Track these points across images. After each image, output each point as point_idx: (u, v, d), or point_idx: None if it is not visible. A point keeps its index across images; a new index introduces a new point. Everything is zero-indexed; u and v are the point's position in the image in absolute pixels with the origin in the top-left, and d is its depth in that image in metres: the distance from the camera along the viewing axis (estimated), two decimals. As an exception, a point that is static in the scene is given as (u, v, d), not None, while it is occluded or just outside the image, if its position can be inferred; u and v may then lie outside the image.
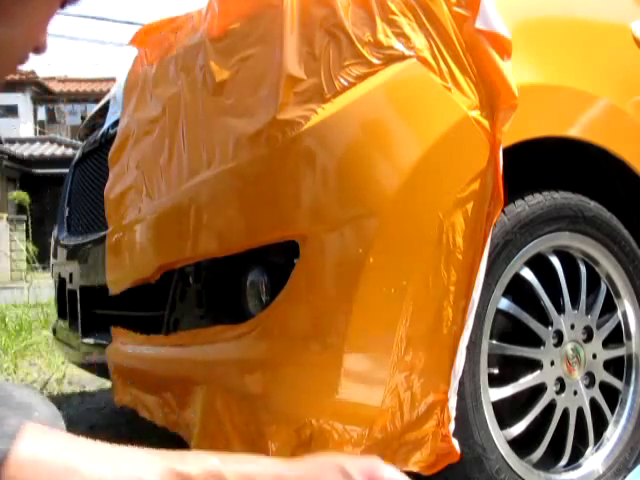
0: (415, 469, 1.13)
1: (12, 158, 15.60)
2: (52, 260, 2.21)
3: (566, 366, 1.33)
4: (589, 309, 1.38)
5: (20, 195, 15.05)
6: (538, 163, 1.35)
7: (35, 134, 20.35)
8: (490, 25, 1.12)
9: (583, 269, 1.38)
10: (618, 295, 1.43)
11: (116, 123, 1.61)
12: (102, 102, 2.03)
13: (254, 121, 1.13)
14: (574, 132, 1.30)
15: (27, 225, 12.08)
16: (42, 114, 22.24)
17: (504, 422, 1.26)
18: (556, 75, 1.29)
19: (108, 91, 2.26)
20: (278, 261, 1.15)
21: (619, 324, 1.44)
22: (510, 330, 1.29)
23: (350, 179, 1.08)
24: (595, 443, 1.39)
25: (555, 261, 1.34)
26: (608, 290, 1.42)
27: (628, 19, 1.47)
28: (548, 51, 1.29)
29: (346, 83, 1.09)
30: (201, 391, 1.24)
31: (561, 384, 1.33)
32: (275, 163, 1.10)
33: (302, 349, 1.09)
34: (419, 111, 1.12)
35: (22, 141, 17.66)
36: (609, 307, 1.43)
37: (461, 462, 1.13)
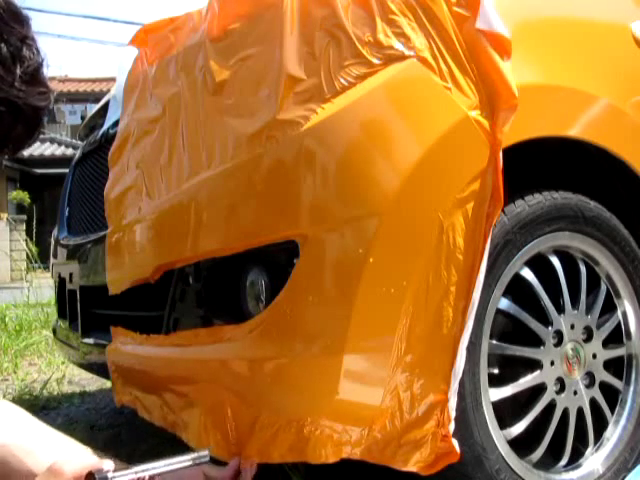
0: (415, 469, 1.13)
1: (12, 158, 15.59)
2: (52, 260, 2.21)
3: (566, 366, 1.33)
4: (589, 309, 1.38)
5: (20, 195, 15.05)
6: (538, 163, 1.35)
7: (35, 134, 20.30)
8: (490, 25, 1.12)
9: (583, 269, 1.38)
10: (618, 295, 1.43)
11: (116, 123, 1.61)
12: (102, 102, 2.03)
13: (254, 121, 1.13)
14: (574, 132, 1.30)
15: (27, 225, 12.07)
16: (42, 114, 22.17)
17: (504, 422, 1.26)
18: (556, 75, 1.28)
19: (108, 91, 2.26)
20: (278, 261, 1.15)
21: (619, 324, 1.44)
22: (510, 330, 1.29)
23: (350, 179, 1.08)
24: (595, 443, 1.39)
25: (555, 261, 1.34)
26: (608, 290, 1.42)
27: (628, 19, 1.47)
28: (548, 51, 1.29)
29: (346, 83, 1.09)
30: (200, 391, 1.24)
31: (561, 384, 1.33)
32: (275, 163, 1.10)
33: (302, 349, 1.09)
34: (419, 111, 1.12)
35: (22, 141, 17.62)
36: (609, 307, 1.43)
37: (461, 462, 1.13)
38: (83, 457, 0.89)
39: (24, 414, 1.07)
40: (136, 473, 0.83)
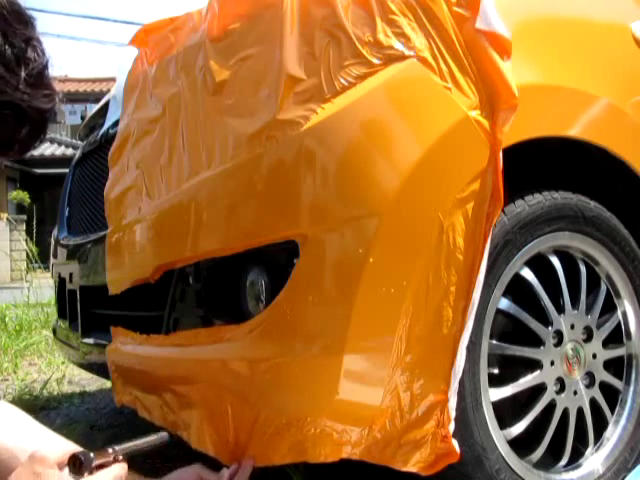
0: (415, 469, 1.13)
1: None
2: (52, 260, 2.21)
3: (566, 366, 1.33)
4: (589, 309, 1.38)
5: (20, 195, 15.05)
6: (538, 163, 1.35)
7: (35, 134, 20.24)
8: (490, 25, 1.12)
9: (583, 269, 1.38)
10: (618, 295, 1.43)
11: (116, 123, 1.61)
12: (102, 102, 2.03)
13: (254, 121, 1.13)
14: (574, 132, 1.30)
15: (27, 225, 12.07)
16: (42, 114, 22.11)
17: (504, 422, 1.26)
18: (556, 75, 1.28)
19: (108, 91, 2.26)
20: (278, 261, 1.15)
21: (619, 324, 1.44)
22: (510, 330, 1.29)
23: (350, 179, 1.08)
24: (595, 443, 1.39)
25: (555, 261, 1.34)
26: (608, 290, 1.42)
27: (628, 19, 1.47)
28: (548, 51, 1.29)
29: (346, 83, 1.09)
30: (200, 391, 1.24)
31: (561, 384, 1.33)
32: (275, 163, 1.10)
33: (302, 349, 1.09)
34: (419, 111, 1.12)
35: (22, 141, 17.59)
36: (609, 307, 1.43)
37: (461, 462, 1.13)
38: (63, 445, 0.91)
39: (21, 414, 1.07)
40: (113, 452, 0.94)
